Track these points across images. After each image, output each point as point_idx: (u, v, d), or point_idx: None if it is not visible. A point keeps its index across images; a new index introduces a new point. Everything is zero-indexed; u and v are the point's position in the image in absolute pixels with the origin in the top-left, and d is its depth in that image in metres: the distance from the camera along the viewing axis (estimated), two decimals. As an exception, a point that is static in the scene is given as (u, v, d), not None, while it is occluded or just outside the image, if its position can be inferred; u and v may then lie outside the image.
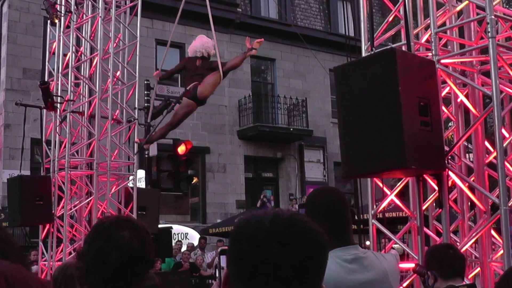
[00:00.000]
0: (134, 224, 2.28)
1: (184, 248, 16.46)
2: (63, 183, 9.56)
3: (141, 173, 14.03)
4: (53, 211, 9.64)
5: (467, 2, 6.05)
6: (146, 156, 13.96)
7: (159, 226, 12.05)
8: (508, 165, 5.50)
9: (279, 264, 1.30)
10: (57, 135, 9.94)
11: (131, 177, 10.40)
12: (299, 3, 25.03)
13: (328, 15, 25.65)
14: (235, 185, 21.97)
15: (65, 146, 9.73)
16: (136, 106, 10.62)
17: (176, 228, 17.48)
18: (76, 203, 10.01)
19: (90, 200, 9.71)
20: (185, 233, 18.47)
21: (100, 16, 9.92)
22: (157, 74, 9.85)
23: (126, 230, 2.22)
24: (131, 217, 3.06)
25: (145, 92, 14.75)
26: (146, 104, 14.34)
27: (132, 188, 10.11)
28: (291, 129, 22.87)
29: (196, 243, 17.35)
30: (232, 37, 22.37)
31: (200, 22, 21.06)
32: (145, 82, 14.73)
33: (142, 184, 14.24)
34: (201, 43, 9.71)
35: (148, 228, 2.34)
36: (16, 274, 0.94)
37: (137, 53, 10.54)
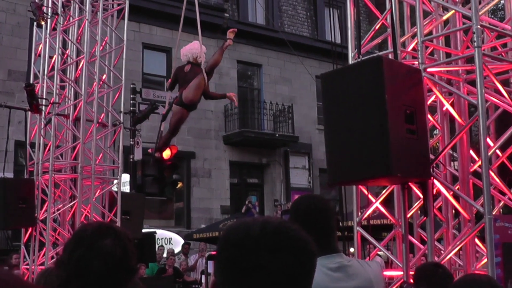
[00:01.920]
0: (116, 231, 2.24)
1: (165, 254, 16.37)
2: (47, 186, 9.49)
3: (125, 177, 13.99)
4: (36, 215, 9.56)
5: (453, 11, 6.10)
6: (131, 160, 13.91)
7: (143, 230, 12.00)
8: (492, 174, 5.53)
9: (268, 272, 1.29)
10: (41, 137, 9.86)
11: (115, 181, 10.35)
12: (286, 9, 25.10)
13: (315, 21, 25.73)
14: (220, 190, 21.93)
15: (49, 149, 9.66)
16: (122, 109, 10.59)
17: (160, 233, 17.40)
18: (59, 206, 9.92)
19: (74, 204, 9.64)
20: (169, 238, 18.40)
21: (87, 19, 9.89)
22: (169, 83, 10.23)
23: (109, 237, 2.18)
24: (113, 224, 3.04)
25: (131, 96, 14.71)
26: (131, 108, 14.32)
27: (116, 192, 10.06)
28: (277, 135, 22.89)
29: (179, 248, 17.27)
30: (219, 42, 22.19)
31: (188, 26, 21.03)
32: (131, 86, 14.69)
33: (126, 189, 14.20)
34: (190, 48, 9.84)
35: (129, 234, 2.30)
36: (20, 284, 0.91)
37: (124, 57, 10.51)
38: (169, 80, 10.24)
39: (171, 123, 9.71)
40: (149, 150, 10.45)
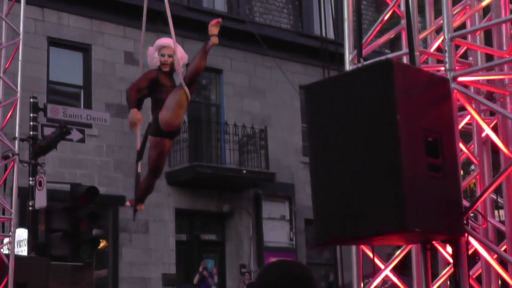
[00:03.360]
0: None
1: None
2: None
3: (22, 234, 13.81)
4: None
5: (495, -5, 6.16)
6: (30, 208, 13.74)
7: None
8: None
9: None
10: None
11: (6, 240, 10.24)
12: (258, -9, 25.31)
13: (299, 9, 25.94)
14: (162, 251, 21.80)
15: None
16: (17, 135, 10.50)
17: (73, 316, 17.21)
18: None
19: None
20: (87, 323, 18.20)
21: (-34, 3, 9.84)
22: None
23: None
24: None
25: (31, 115, 14.56)
26: (32, 133, 14.18)
27: (8, 256, 9.96)
28: (244, 171, 22.88)
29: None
30: (161, 37, 22.38)
31: (115, 14, 21.03)
32: (31, 100, 14.55)
33: (23, 250, 14.01)
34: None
35: None
36: None
37: (20, 58, 10.46)
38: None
39: (150, 160, 9.66)
40: (127, 203, 10.46)
